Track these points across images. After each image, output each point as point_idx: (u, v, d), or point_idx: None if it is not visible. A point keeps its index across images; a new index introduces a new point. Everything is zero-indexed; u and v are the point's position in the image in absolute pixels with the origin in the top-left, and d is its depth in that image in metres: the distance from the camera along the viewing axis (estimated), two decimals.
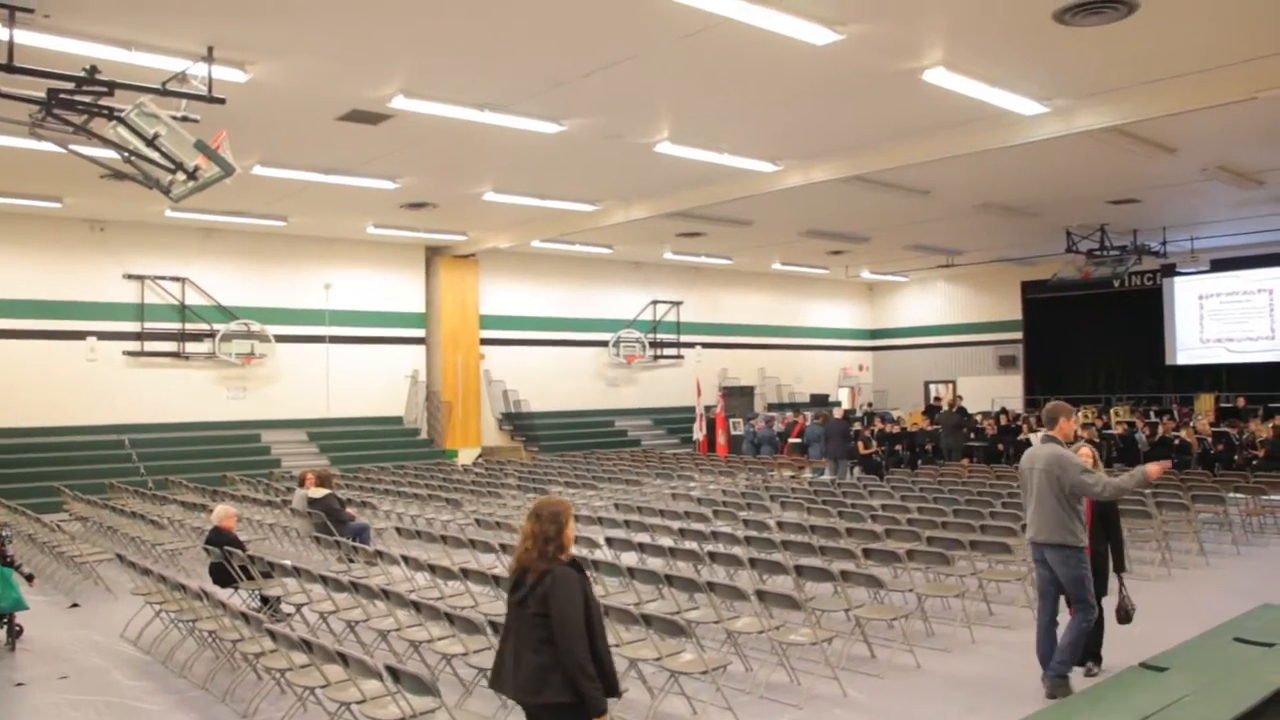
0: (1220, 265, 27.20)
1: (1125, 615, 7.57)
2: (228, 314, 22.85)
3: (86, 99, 9.72)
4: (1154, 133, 15.01)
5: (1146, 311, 29.42)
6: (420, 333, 26.18)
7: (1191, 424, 21.09)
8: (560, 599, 4.52)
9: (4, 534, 9.87)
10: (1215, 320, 28.22)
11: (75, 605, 11.10)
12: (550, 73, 12.05)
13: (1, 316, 20.23)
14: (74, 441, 20.72)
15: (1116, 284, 27.87)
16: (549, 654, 4.52)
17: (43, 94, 9.54)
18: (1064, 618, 7.18)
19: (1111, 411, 25.36)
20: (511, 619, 4.72)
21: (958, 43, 11.18)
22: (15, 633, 9.38)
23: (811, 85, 12.71)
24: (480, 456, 25.24)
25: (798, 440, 24.20)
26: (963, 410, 24.97)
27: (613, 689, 4.63)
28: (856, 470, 20.95)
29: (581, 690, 4.47)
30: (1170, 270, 27.82)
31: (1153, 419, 22.19)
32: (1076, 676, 7.21)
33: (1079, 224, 23.09)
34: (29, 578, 9.96)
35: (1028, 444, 20.92)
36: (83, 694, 7.91)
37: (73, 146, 11.11)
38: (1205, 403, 26.26)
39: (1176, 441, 19.13)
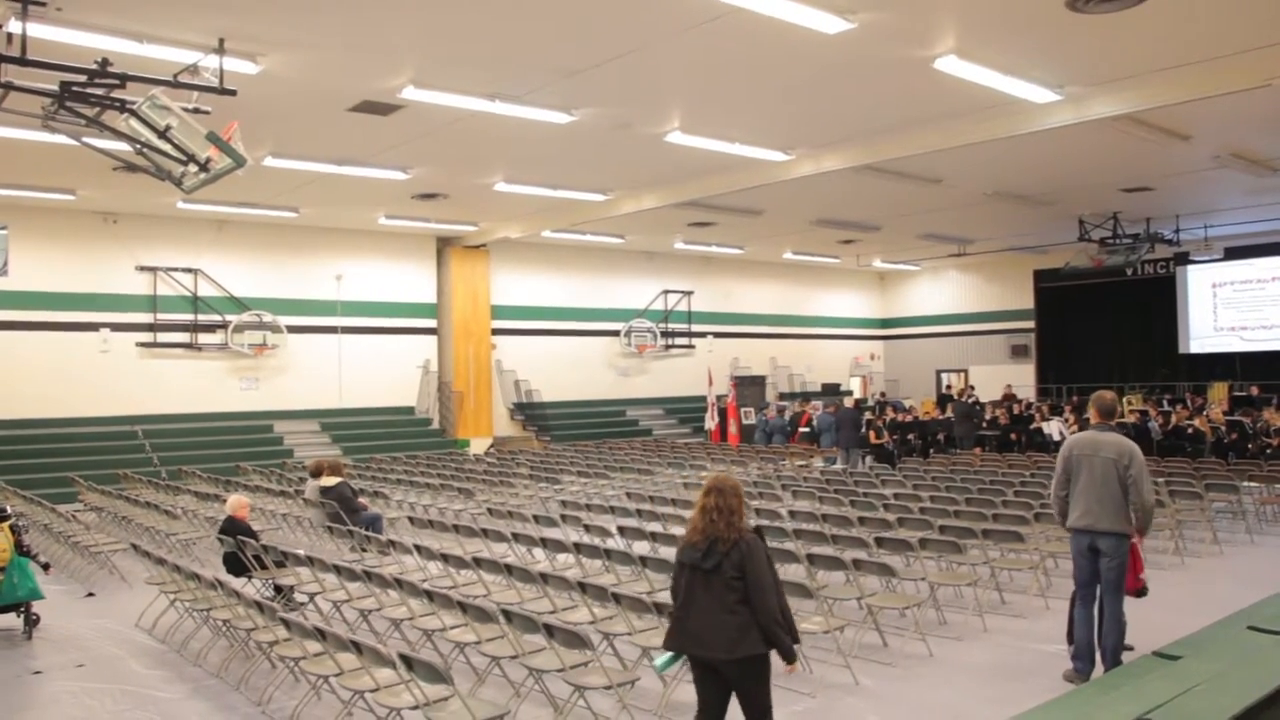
0: (1234, 253, 27.06)
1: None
2: (240, 305, 22.92)
3: (98, 91, 9.73)
4: (1167, 120, 14.93)
5: (1159, 300, 29.33)
6: (432, 323, 26.22)
7: (1205, 413, 21.03)
8: (756, 563, 5.11)
9: (20, 524, 9.94)
10: (1229, 308, 28.10)
11: (91, 594, 11.19)
12: (561, 63, 12.05)
13: (16, 308, 20.31)
14: (88, 432, 20.84)
15: (1129, 272, 27.79)
16: (745, 613, 5.06)
17: (55, 87, 9.56)
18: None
19: (1124, 400, 25.25)
20: (698, 586, 5.18)
21: (969, 30, 11.14)
22: (32, 621, 9.46)
23: (822, 74, 12.68)
24: (492, 446, 25.28)
25: (807, 429, 24.20)
26: (975, 400, 24.95)
27: (796, 638, 5.28)
28: (869, 459, 20.93)
29: (776, 641, 5.10)
30: (1183, 258, 27.71)
31: (1166, 408, 22.11)
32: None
33: (1091, 212, 23.00)
34: (45, 567, 10.03)
35: (1040, 433, 20.98)
36: (99, 682, 7.97)
37: (85, 139, 11.14)
38: (1219, 391, 26.14)
39: (1190, 430, 19.06)
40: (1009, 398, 25.91)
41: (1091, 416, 7.45)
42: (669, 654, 5.40)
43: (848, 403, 21.74)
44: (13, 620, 9.51)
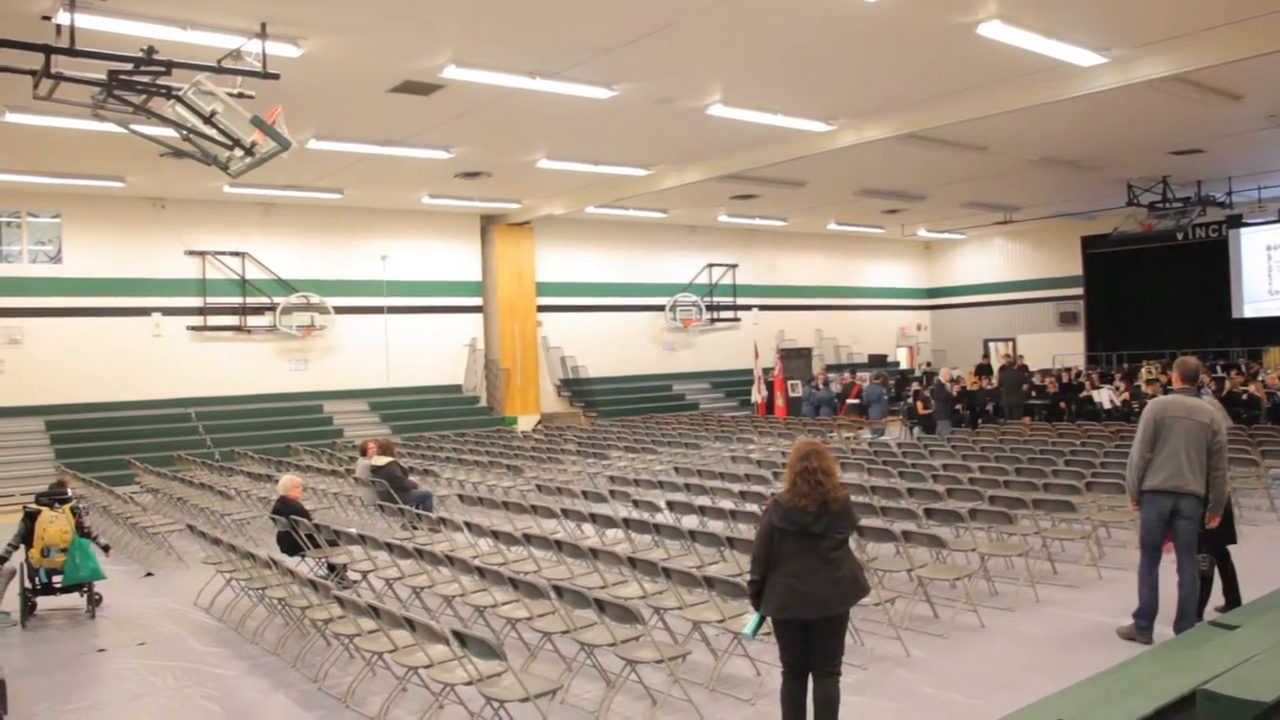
0: None
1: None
2: (287, 287, 23.15)
3: (145, 79, 9.86)
4: (1217, 80, 14.64)
5: (1212, 264, 28.76)
6: (477, 301, 26.34)
7: (1260, 378, 20.69)
8: (853, 508, 5.56)
9: (81, 506, 10.14)
10: None
11: (150, 574, 11.39)
12: (600, 38, 12.01)
13: (70, 295, 20.67)
14: (142, 415, 21.19)
15: (1180, 237, 27.33)
16: (847, 569, 5.34)
17: (103, 75, 9.69)
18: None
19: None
20: (806, 549, 5.28)
21: None
22: (95, 601, 9.66)
23: (864, 42, 12.56)
24: (539, 423, 25.40)
25: (856, 401, 24.09)
26: (1024, 368, 24.67)
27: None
28: (916, 430, 20.81)
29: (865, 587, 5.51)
30: (1236, 221, 27.21)
31: (1220, 374, 21.78)
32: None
33: (1140, 176, 22.66)
34: (105, 548, 10.22)
35: (1090, 401, 20.76)
36: (160, 659, 8.13)
37: (133, 126, 11.28)
38: (1275, 356, 25.72)
39: (1245, 396, 18.76)
40: (1007, 365, 25.32)
41: (1175, 381, 7.56)
42: (755, 617, 5.49)
43: (942, 376, 21.43)
44: (76, 600, 9.73)
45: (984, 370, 27.59)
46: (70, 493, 10.09)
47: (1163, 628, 7.33)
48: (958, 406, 22.14)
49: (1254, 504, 12.29)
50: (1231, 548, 7.95)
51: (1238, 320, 28.53)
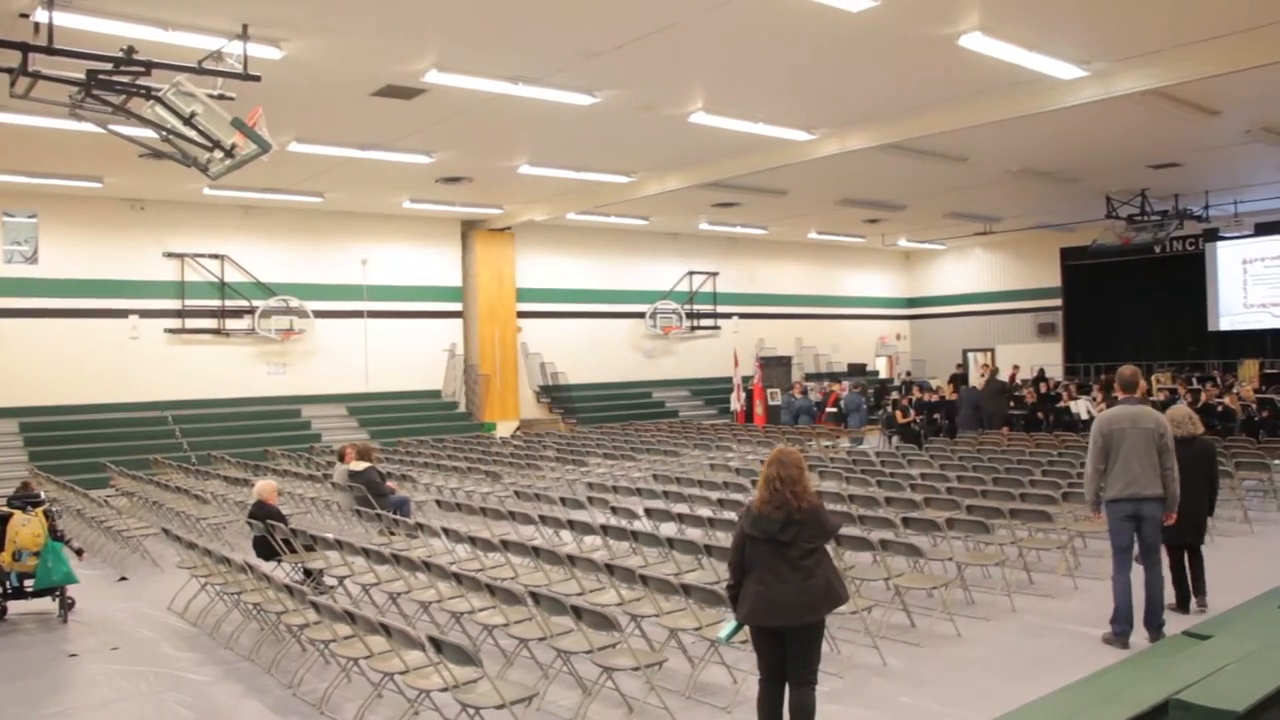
0: (1264, 229, 26.79)
1: None
2: (266, 290, 23.04)
3: (124, 79, 9.79)
4: (1196, 95, 14.76)
5: (1188, 277, 29.02)
6: (457, 306, 26.27)
7: (1235, 390, 20.83)
8: (826, 516, 5.50)
9: (54, 510, 10.05)
10: (1259, 285, 27.77)
11: (124, 579, 11.30)
12: (583, 44, 12.01)
13: (47, 296, 20.51)
14: (119, 418, 21.04)
15: (1157, 249, 27.47)
16: (820, 578, 5.30)
17: (82, 75, 9.62)
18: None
19: (1153, 379, 25.03)
20: (774, 557, 5.30)
21: (994, 6, 11.02)
22: (67, 605, 9.57)
23: (846, 52, 12.60)
24: (518, 429, 25.35)
25: (834, 410, 24.14)
26: (1013, 379, 24.82)
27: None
28: (895, 439, 20.86)
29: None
30: (1213, 235, 27.42)
31: (1195, 385, 21.92)
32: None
33: (1119, 189, 22.80)
34: (79, 552, 10.14)
35: (1068, 412, 20.84)
36: (133, 665, 8.06)
37: (112, 126, 11.19)
38: (1249, 369, 25.91)
39: (1220, 408, 18.87)
40: (961, 369, 25.31)
41: (1117, 392, 7.81)
42: (733, 623, 5.53)
43: (975, 381, 21.45)
44: (48, 604, 9.64)
45: (960, 380, 27.66)
46: (43, 495, 10.01)
47: (1140, 640, 7.38)
48: (936, 416, 22.22)
49: (1227, 515, 12.35)
50: (1207, 556, 8.06)
51: (1214, 333, 28.77)
